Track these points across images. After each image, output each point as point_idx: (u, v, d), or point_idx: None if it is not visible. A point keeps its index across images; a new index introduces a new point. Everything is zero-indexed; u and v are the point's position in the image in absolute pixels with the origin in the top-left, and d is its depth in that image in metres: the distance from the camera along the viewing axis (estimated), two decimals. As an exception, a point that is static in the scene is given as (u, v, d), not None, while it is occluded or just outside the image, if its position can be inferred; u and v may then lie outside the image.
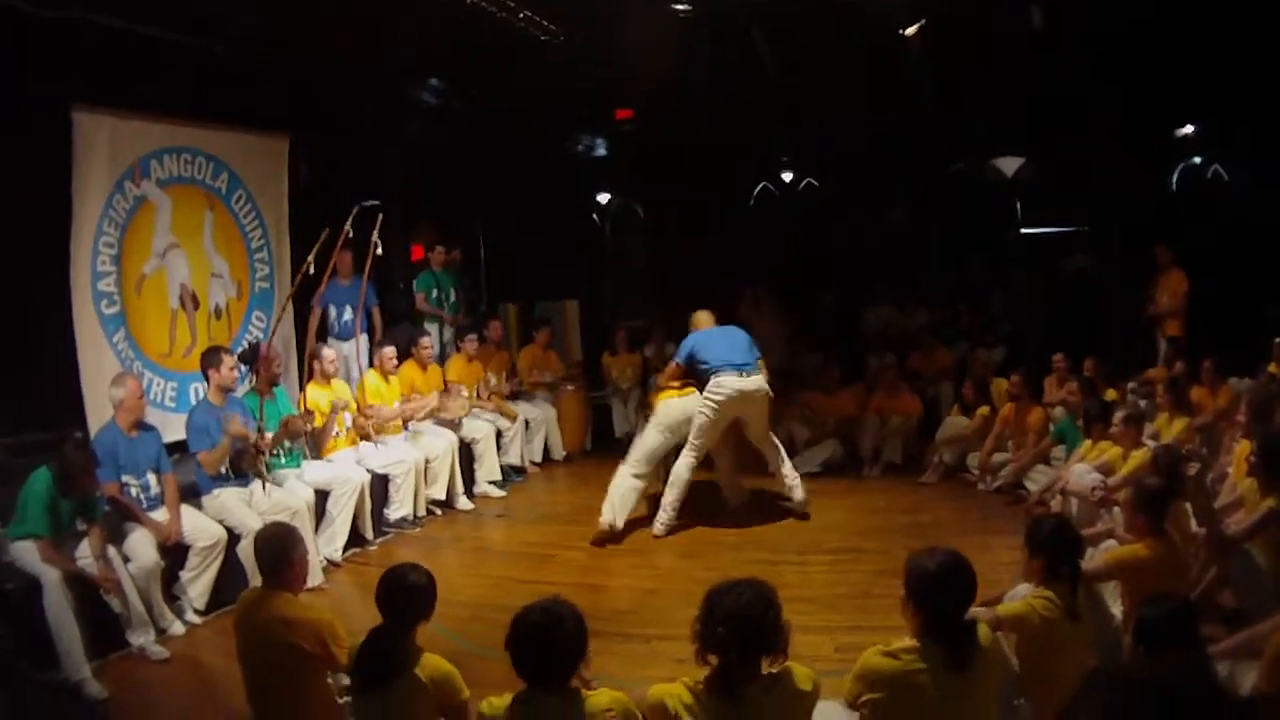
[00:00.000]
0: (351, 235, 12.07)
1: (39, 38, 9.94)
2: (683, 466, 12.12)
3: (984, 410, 13.96)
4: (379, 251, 12.50)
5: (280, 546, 6.55)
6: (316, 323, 13.03)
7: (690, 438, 12.12)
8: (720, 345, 12.04)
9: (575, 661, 5.08)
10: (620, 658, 8.19)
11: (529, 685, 5.06)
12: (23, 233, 10.28)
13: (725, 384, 11.70)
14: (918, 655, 5.09)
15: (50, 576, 8.07)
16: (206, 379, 10.75)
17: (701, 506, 12.52)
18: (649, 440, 12.32)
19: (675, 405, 12.28)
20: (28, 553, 8.29)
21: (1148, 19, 13.04)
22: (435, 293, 16.45)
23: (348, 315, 14.31)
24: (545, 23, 12.53)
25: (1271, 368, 12.82)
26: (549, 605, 5.14)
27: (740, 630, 4.86)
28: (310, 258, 11.47)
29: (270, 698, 6.37)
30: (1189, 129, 18.47)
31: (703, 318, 12.64)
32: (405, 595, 5.88)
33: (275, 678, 6.28)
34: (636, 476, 12.16)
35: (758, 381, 11.89)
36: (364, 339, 14.43)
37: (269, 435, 10.78)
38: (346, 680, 6.24)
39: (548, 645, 5.02)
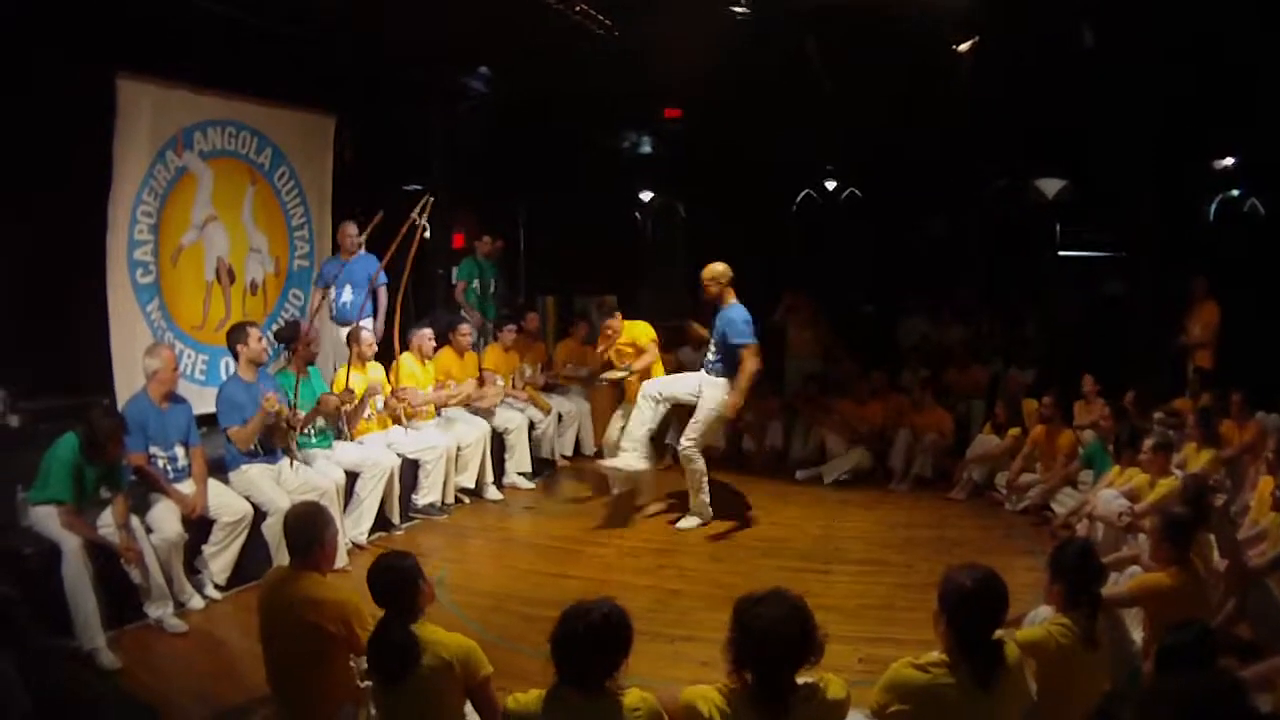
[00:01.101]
0: (418, 224, 11.88)
1: (87, 3, 10.01)
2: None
3: (1015, 431, 13.91)
4: (427, 234, 12.50)
5: (312, 526, 6.56)
6: (318, 302, 13.01)
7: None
8: None
9: (619, 665, 5.07)
10: (644, 658, 7.89)
11: (562, 682, 5.06)
12: (63, 198, 10.32)
13: None
14: (947, 670, 5.09)
15: (70, 543, 8.09)
16: (235, 356, 10.67)
17: (727, 510, 12.51)
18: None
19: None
20: (48, 518, 8.29)
21: (1192, 50, 13.03)
22: (476, 281, 16.42)
23: (347, 295, 13.76)
24: (600, 16, 12.52)
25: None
26: (610, 610, 5.14)
27: (776, 648, 4.84)
28: (363, 237, 11.69)
29: (292, 677, 6.38)
30: (1229, 161, 18.41)
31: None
32: (397, 582, 5.86)
33: (297, 657, 6.28)
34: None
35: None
36: (368, 323, 13.41)
37: (301, 413, 10.81)
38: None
39: (601, 648, 5.03)
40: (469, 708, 5.78)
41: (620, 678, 5.14)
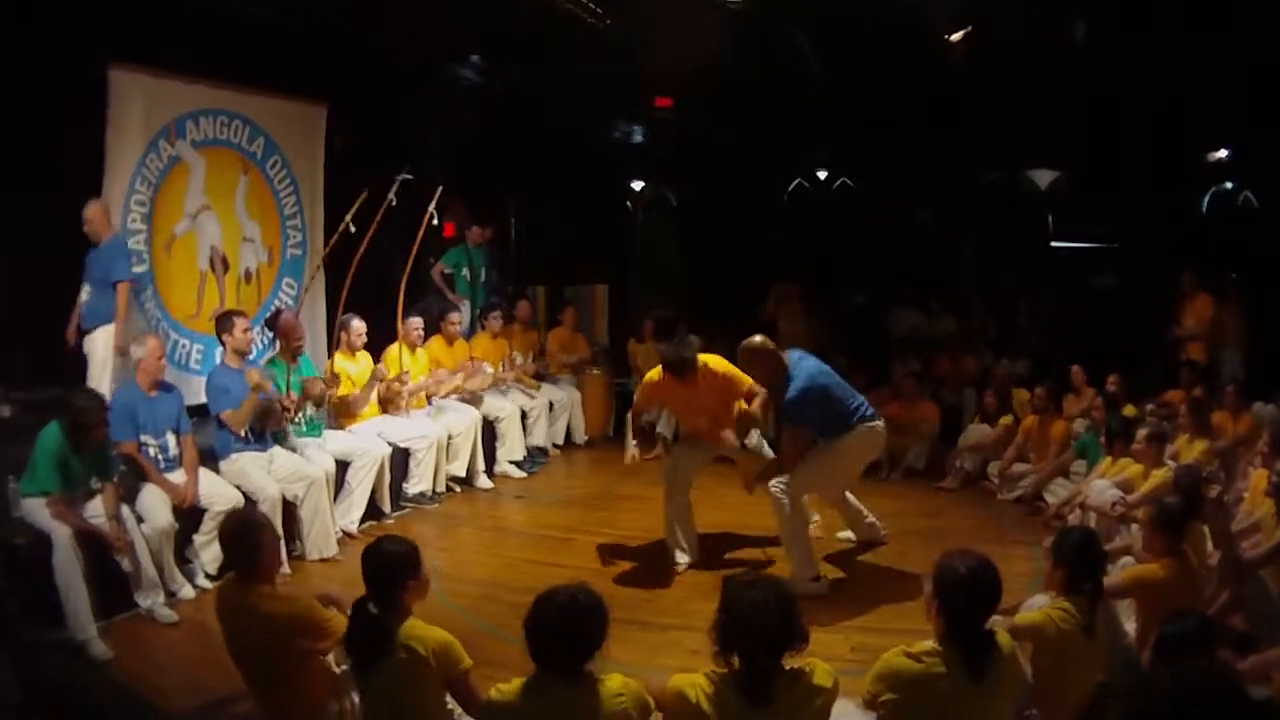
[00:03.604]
0: (395, 205, 11.90)
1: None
2: None
3: (1007, 420, 13.98)
4: (435, 222, 12.51)
5: (243, 536, 6.44)
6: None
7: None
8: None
9: (595, 650, 5.03)
10: (636, 646, 8.19)
11: (541, 669, 5.03)
12: (55, 189, 10.32)
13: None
14: (939, 659, 5.08)
15: (61, 534, 8.08)
16: (222, 343, 10.77)
17: (719, 502, 12.39)
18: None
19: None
20: (38, 509, 8.29)
21: (1184, 40, 13.02)
22: (465, 270, 16.46)
23: (84, 295, 10.85)
24: (592, 5, 12.50)
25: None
26: (579, 592, 5.11)
27: (763, 634, 4.85)
28: (349, 217, 11.45)
29: (265, 682, 6.35)
30: (1222, 153, 18.41)
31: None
32: (383, 566, 5.79)
33: (266, 666, 6.25)
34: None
35: None
36: (105, 331, 10.73)
37: (295, 394, 10.87)
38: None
39: (574, 632, 5.00)
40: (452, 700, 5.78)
41: (601, 662, 5.13)
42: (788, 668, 4.95)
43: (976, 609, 5.18)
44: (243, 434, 10.34)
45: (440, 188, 12.57)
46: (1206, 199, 19.59)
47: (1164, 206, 18.32)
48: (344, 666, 6.17)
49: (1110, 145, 17.46)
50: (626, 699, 4.95)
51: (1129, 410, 12.43)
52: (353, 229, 11.46)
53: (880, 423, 10.34)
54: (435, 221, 12.69)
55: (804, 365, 10.05)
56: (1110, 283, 19.90)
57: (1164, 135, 16.81)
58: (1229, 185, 19.36)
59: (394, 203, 11.86)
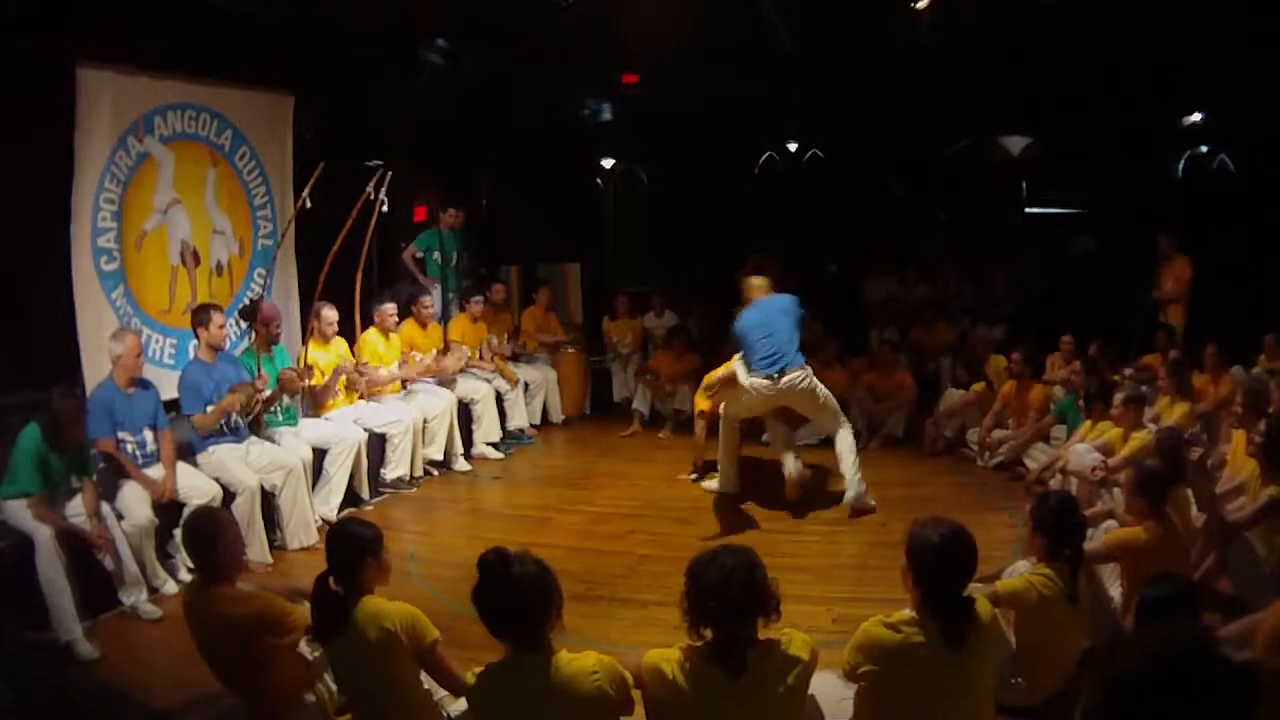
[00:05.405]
0: (373, 198, 11.99)
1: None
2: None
3: (979, 386, 14.08)
4: (385, 208, 12.49)
5: (204, 537, 6.36)
6: None
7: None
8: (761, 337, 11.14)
9: (542, 612, 4.99)
10: (616, 622, 8.31)
11: (508, 647, 5.01)
12: (24, 189, 10.17)
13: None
14: (917, 628, 5.07)
15: (42, 535, 8.07)
16: (196, 337, 10.77)
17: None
18: None
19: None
20: (20, 512, 8.28)
21: (1157, 3, 13.02)
22: (436, 254, 16.42)
23: None
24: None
25: (1262, 361, 12.95)
26: (503, 551, 5.10)
27: (729, 601, 4.82)
28: (305, 192, 11.54)
29: (240, 680, 6.32)
30: (1197, 117, 18.43)
31: (757, 284, 11.83)
32: (340, 548, 5.86)
33: (238, 666, 6.23)
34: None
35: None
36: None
37: (267, 390, 10.84)
38: None
39: (506, 592, 4.98)
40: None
41: (558, 632, 5.10)
42: (763, 638, 4.95)
43: (951, 577, 5.18)
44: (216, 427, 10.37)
45: (386, 171, 12.52)
46: (1182, 163, 19.59)
47: (1139, 171, 18.42)
48: (317, 654, 6.24)
49: (1084, 110, 17.52)
50: (601, 676, 4.92)
51: (1116, 379, 12.46)
52: (308, 204, 11.64)
53: (763, 383, 10.99)
54: (385, 208, 12.73)
55: (751, 311, 11.26)
56: (1086, 248, 19.97)
57: (1138, 99, 16.86)
58: (1204, 149, 19.36)
59: (371, 196, 11.94)
